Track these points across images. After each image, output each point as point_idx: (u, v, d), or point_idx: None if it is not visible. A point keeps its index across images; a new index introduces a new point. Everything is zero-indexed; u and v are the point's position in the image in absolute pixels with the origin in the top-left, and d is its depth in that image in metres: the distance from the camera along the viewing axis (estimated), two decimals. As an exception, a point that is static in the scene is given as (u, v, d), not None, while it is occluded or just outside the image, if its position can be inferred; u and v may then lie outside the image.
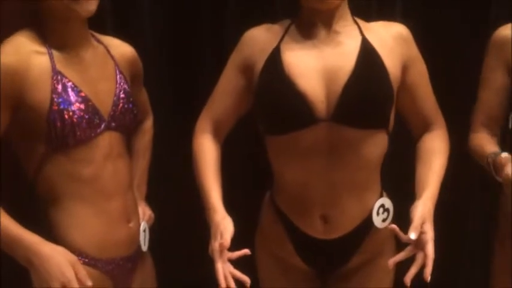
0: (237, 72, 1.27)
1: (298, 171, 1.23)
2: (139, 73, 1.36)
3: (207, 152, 1.28)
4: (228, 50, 1.31)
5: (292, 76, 1.18)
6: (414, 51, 1.24)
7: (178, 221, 1.61)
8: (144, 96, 1.42)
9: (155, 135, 1.45)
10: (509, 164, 1.14)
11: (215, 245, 1.14)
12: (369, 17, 1.27)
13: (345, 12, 1.22)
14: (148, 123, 1.45)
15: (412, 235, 1.09)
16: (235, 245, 1.15)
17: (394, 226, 1.14)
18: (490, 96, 1.29)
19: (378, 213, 1.26)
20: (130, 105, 1.25)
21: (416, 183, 1.22)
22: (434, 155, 1.25)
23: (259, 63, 1.22)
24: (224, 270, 1.11)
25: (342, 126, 1.17)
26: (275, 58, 1.20)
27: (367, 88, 1.16)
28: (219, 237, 1.14)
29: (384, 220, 1.27)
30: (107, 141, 1.20)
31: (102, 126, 1.19)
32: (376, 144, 1.21)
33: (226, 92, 1.29)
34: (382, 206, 1.27)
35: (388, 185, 1.32)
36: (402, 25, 1.25)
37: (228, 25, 1.56)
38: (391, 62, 1.20)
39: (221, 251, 1.12)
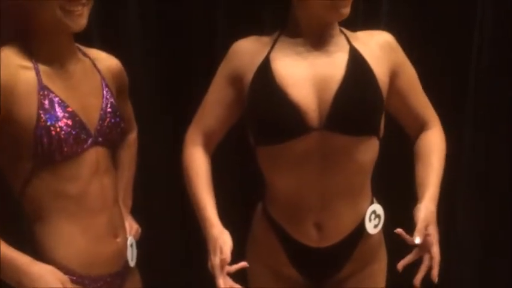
0: (226, 83, 1.27)
1: (290, 180, 1.23)
2: (125, 86, 1.35)
3: (199, 164, 1.27)
4: (217, 61, 1.30)
5: (284, 86, 1.18)
6: (401, 57, 1.27)
7: (167, 235, 1.59)
8: (129, 108, 1.40)
9: (143, 147, 1.44)
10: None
11: (215, 260, 1.13)
12: (354, 27, 1.28)
13: (333, 23, 1.23)
14: (133, 136, 1.43)
15: (417, 239, 1.10)
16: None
17: (400, 230, 1.14)
18: None
19: (370, 220, 1.27)
20: (117, 119, 1.23)
21: (416, 184, 1.23)
22: (432, 154, 1.26)
23: (249, 74, 1.22)
24: (226, 285, 1.10)
25: (334, 134, 1.18)
26: (265, 68, 1.21)
27: (358, 96, 1.18)
28: (218, 252, 1.13)
29: (375, 226, 1.28)
30: (94, 156, 1.18)
31: (89, 141, 1.17)
32: (368, 151, 1.23)
33: (215, 104, 1.28)
34: (374, 212, 1.28)
35: (378, 191, 1.33)
36: (387, 33, 1.27)
37: (217, 36, 1.56)
38: (380, 69, 1.21)
39: (222, 266, 1.11)
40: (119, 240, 1.24)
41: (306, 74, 1.19)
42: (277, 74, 1.19)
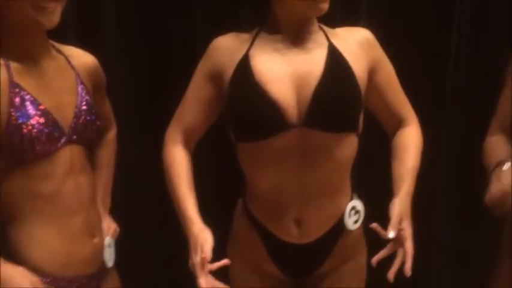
0: (206, 80, 1.26)
1: (271, 177, 1.23)
2: (101, 83, 1.32)
3: (179, 162, 1.26)
4: (197, 58, 1.29)
5: (263, 83, 1.18)
6: (379, 53, 1.27)
7: (146, 235, 1.58)
8: (107, 106, 1.38)
9: (122, 146, 1.41)
10: (496, 182, 1.17)
11: (196, 259, 1.12)
12: (333, 24, 1.29)
13: (312, 19, 1.23)
14: (112, 134, 1.41)
15: (391, 233, 1.11)
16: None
17: (374, 225, 1.15)
18: (506, 103, 1.30)
19: (349, 215, 1.28)
20: (93, 117, 1.20)
21: (393, 179, 1.25)
22: (408, 151, 1.27)
23: (229, 71, 1.22)
24: (208, 284, 1.09)
25: (313, 130, 1.18)
26: (244, 65, 1.20)
27: (336, 92, 1.18)
28: (199, 251, 1.12)
29: (355, 222, 1.29)
30: (68, 155, 1.16)
31: (63, 139, 1.14)
32: (347, 147, 1.23)
33: (195, 101, 1.27)
34: (354, 208, 1.29)
35: (357, 187, 1.34)
36: (366, 29, 1.28)
37: (196, 33, 1.54)
38: (358, 66, 1.22)
39: (203, 265, 1.10)
40: (95, 240, 1.22)
41: (285, 71, 1.19)
42: (257, 70, 1.19)
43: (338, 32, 1.26)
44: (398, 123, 1.32)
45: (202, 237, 1.14)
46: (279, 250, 1.27)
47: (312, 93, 1.17)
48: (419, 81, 1.51)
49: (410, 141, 1.29)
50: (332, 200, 1.26)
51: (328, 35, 1.24)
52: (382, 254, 1.15)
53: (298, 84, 1.18)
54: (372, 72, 1.25)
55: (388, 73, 1.29)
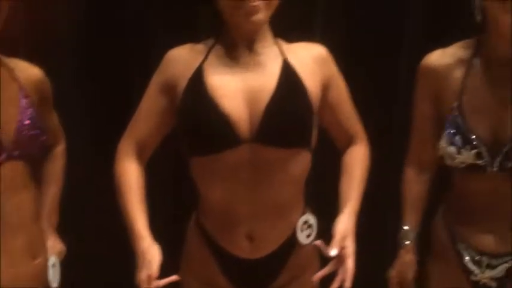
0: (160, 92, 1.24)
1: (222, 192, 1.22)
2: (47, 96, 1.28)
3: (130, 175, 1.24)
4: (151, 70, 1.27)
5: (215, 97, 1.17)
6: (334, 70, 1.29)
7: (95, 253, 1.54)
8: (54, 120, 1.34)
9: (72, 160, 1.38)
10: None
11: (142, 275, 1.10)
12: (290, 38, 1.29)
13: (267, 33, 1.24)
14: (60, 149, 1.37)
15: (333, 251, 1.12)
16: (161, 270, 1.11)
17: (318, 242, 1.16)
18: (422, 128, 1.34)
19: (302, 230, 1.28)
20: (37, 131, 1.17)
21: (339, 197, 1.26)
22: (355, 169, 1.30)
23: (182, 84, 1.21)
24: None
25: (265, 146, 1.18)
26: (198, 78, 1.19)
27: (289, 108, 1.18)
28: (146, 268, 1.10)
29: (308, 236, 1.29)
30: (9, 171, 1.12)
31: (3, 155, 1.11)
32: (300, 163, 1.24)
33: (149, 113, 1.26)
34: (306, 222, 1.29)
35: (312, 201, 1.35)
36: (321, 46, 1.28)
37: (151, 45, 1.53)
38: (312, 82, 1.23)
39: (149, 282, 1.08)
40: (38, 261, 1.18)
41: (238, 85, 1.19)
42: (209, 84, 1.19)
43: (293, 47, 1.27)
44: (349, 141, 1.33)
45: (150, 253, 1.12)
46: (231, 265, 1.27)
47: (264, 109, 1.17)
48: (370, 101, 1.53)
49: (357, 160, 1.31)
50: (284, 215, 1.26)
51: (283, 49, 1.24)
52: (324, 271, 1.16)
53: (251, 99, 1.18)
54: (325, 89, 1.26)
55: (341, 90, 1.30)
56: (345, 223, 1.18)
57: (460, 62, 1.27)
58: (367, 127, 1.36)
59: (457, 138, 1.24)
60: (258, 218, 1.23)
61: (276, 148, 1.19)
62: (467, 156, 1.23)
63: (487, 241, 1.29)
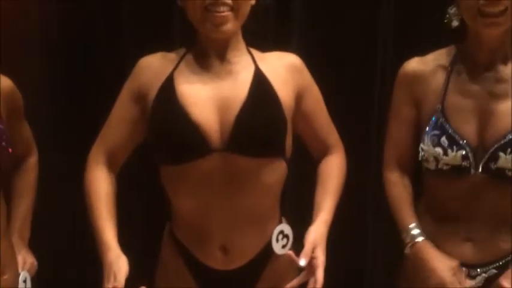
0: (131, 100, 1.23)
1: (195, 202, 1.20)
2: (18, 107, 1.26)
3: (100, 185, 1.22)
4: (123, 79, 1.26)
5: (185, 106, 1.16)
6: (307, 80, 1.28)
7: (67, 267, 1.50)
8: (26, 131, 1.32)
9: (42, 172, 1.35)
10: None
11: (108, 287, 1.08)
12: (264, 47, 1.29)
13: (239, 42, 1.23)
14: (32, 161, 1.34)
15: (302, 261, 1.12)
16: (135, 280, 1.09)
17: (290, 252, 1.15)
18: (400, 132, 1.33)
19: (277, 240, 1.26)
20: (3, 144, 1.14)
21: (314, 207, 1.25)
22: (330, 180, 1.29)
23: (153, 92, 1.19)
24: None
25: (236, 155, 1.17)
26: (168, 87, 1.18)
27: (260, 117, 1.17)
28: (112, 279, 1.08)
29: (283, 246, 1.27)
30: None
31: None
32: (274, 172, 1.22)
33: (120, 122, 1.24)
34: (282, 232, 1.27)
35: (288, 210, 1.34)
36: (295, 55, 1.28)
37: (123, 53, 1.52)
38: (285, 91, 1.22)
39: None
40: (6, 277, 1.14)
41: (209, 94, 1.18)
42: (180, 92, 1.17)
43: (267, 56, 1.26)
44: (325, 150, 1.32)
45: (117, 264, 1.10)
46: (205, 276, 1.25)
47: (235, 118, 1.16)
48: (347, 111, 1.52)
49: (333, 170, 1.30)
50: (259, 226, 1.24)
51: (256, 59, 1.23)
52: (295, 282, 1.15)
53: (222, 108, 1.17)
54: (299, 98, 1.25)
55: (316, 100, 1.29)
56: (315, 233, 1.17)
57: (440, 67, 1.28)
58: (343, 136, 1.36)
59: (443, 139, 1.23)
60: (232, 228, 1.21)
61: (248, 157, 1.17)
62: (453, 158, 1.22)
63: (466, 250, 1.27)
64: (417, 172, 1.33)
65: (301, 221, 1.29)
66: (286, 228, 1.28)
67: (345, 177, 1.31)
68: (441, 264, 1.24)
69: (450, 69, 1.27)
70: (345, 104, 1.52)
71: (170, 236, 1.28)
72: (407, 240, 1.30)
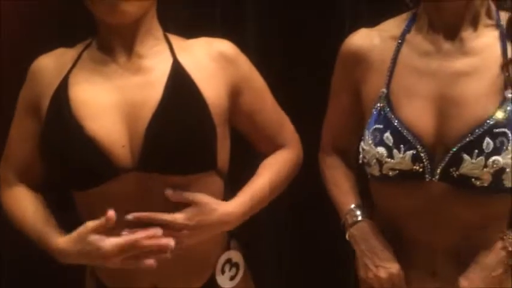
0: (26, 113, 1.01)
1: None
2: None
3: (22, 199, 1.03)
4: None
5: (81, 117, 0.93)
6: (243, 71, 1.02)
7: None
8: None
9: None
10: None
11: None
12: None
13: (153, 29, 0.98)
14: None
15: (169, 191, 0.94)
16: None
17: None
18: (339, 121, 1.07)
19: (223, 272, 1.03)
20: None
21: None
22: (268, 168, 1.05)
23: (46, 101, 0.97)
24: None
25: (153, 174, 0.93)
26: (61, 94, 0.95)
27: (178, 126, 0.93)
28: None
29: (231, 278, 1.04)
30: None
31: None
32: (207, 189, 0.98)
33: (19, 138, 1.03)
34: (229, 261, 1.04)
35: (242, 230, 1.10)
36: (226, 42, 1.02)
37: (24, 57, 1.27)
38: (212, 90, 0.97)
39: None
40: None
41: (113, 100, 0.94)
42: (75, 101, 0.94)
43: (192, 44, 1.01)
44: (276, 148, 1.08)
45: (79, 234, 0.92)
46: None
47: (146, 128, 0.92)
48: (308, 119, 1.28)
49: (272, 163, 1.06)
50: (196, 257, 1.01)
51: (176, 49, 0.98)
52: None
53: (130, 116, 0.93)
54: (234, 95, 1.01)
55: (257, 94, 1.04)
56: (217, 205, 0.98)
57: (390, 39, 0.97)
58: (310, 131, 1.11)
59: (387, 135, 0.92)
60: (162, 264, 0.96)
61: (168, 176, 0.94)
62: (400, 160, 0.91)
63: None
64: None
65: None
66: (234, 255, 1.05)
67: (291, 173, 1.07)
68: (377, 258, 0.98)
69: (400, 42, 0.95)
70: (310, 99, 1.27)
71: (92, 276, 1.06)
72: (349, 221, 1.02)
